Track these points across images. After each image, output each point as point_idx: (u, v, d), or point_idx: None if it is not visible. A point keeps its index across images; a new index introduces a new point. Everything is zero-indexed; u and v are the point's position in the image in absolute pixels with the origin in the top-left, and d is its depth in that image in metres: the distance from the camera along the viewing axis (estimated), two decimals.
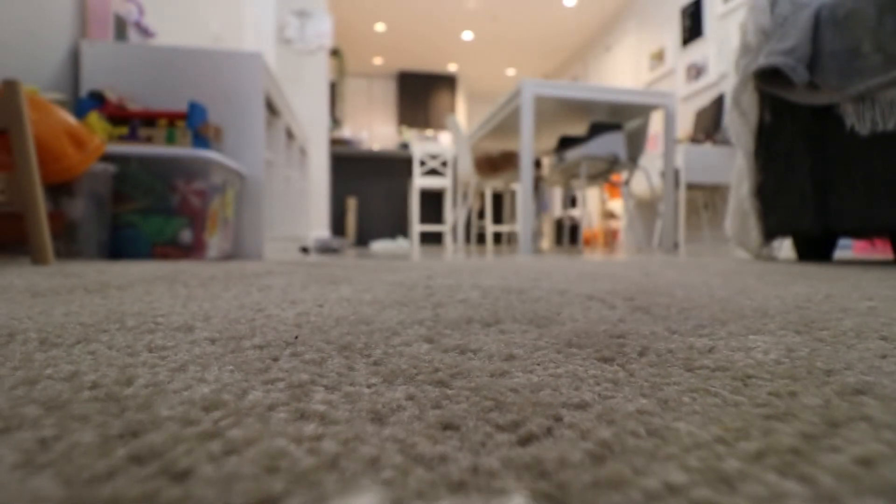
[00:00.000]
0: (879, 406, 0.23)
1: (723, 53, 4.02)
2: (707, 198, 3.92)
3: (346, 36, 6.44)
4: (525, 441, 0.19)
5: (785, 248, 2.18)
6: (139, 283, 0.75)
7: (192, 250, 1.51)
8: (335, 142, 5.15)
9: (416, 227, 4.21)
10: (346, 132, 5.68)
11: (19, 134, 1.05)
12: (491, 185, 3.59)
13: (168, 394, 0.24)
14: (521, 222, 2.49)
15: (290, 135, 2.65)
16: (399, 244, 3.97)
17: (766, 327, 0.43)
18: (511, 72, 7.64)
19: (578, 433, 0.20)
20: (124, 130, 1.52)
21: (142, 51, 1.76)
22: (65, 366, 0.29)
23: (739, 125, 1.72)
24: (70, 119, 1.26)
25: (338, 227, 5.00)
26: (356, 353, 0.33)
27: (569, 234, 5.24)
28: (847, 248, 2.89)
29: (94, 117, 1.45)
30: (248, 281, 0.80)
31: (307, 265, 1.29)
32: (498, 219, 5.11)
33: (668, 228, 2.70)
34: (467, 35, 6.47)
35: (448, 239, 3.82)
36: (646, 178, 3.80)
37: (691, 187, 3.60)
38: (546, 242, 5.80)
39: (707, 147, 3.47)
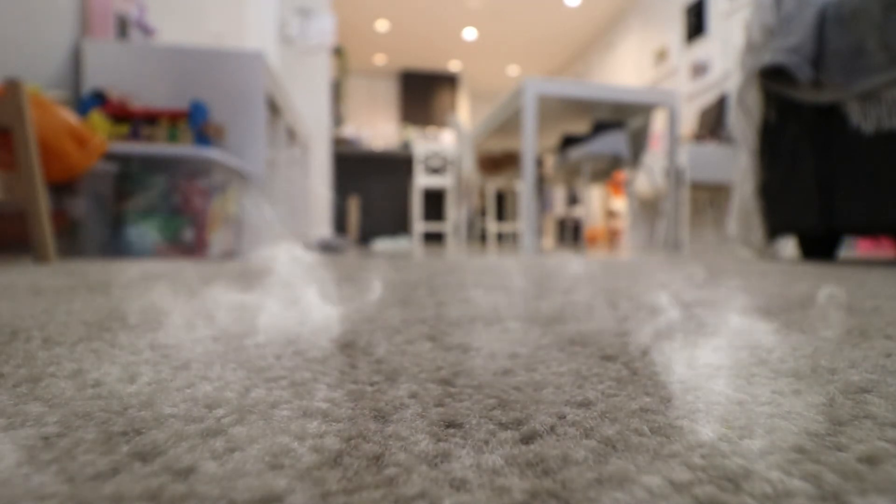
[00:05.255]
0: (884, 404, 0.23)
1: (727, 52, 4.01)
2: (711, 197, 3.91)
3: (348, 34, 6.44)
4: (528, 439, 0.19)
5: (789, 247, 2.17)
6: (141, 281, 0.75)
7: (194, 249, 1.51)
8: (338, 141, 5.15)
9: (419, 226, 4.21)
10: (348, 131, 5.68)
11: (22, 133, 1.05)
12: (493, 184, 3.59)
13: (171, 391, 0.24)
14: (524, 221, 2.49)
15: (291, 134, 2.65)
16: (401, 243, 3.97)
17: (771, 325, 0.42)
18: (513, 70, 7.63)
19: (582, 431, 0.20)
20: (126, 129, 1.53)
21: (143, 49, 1.76)
22: (68, 364, 0.29)
23: (744, 123, 1.72)
24: (72, 118, 1.26)
25: (340, 225, 5.00)
26: (358, 351, 0.33)
27: (571, 233, 5.24)
28: (852, 248, 2.88)
29: (95, 116, 1.45)
30: (249, 279, 0.80)
31: (309, 264, 1.29)
32: (501, 218, 5.11)
33: (671, 227, 2.69)
34: (470, 33, 6.46)
35: (450, 238, 3.81)
36: (648, 176, 3.79)
37: (695, 186, 3.59)
38: (549, 241, 5.79)
39: (711, 146, 3.46)
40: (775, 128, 1.64)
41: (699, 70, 4.35)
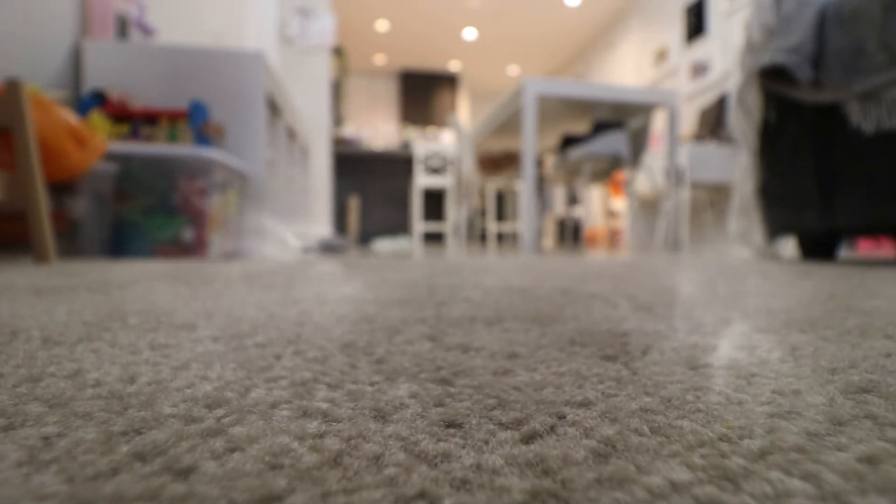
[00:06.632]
0: (884, 404, 0.23)
1: (727, 52, 4.01)
2: (711, 197, 3.91)
3: (348, 34, 6.44)
4: (528, 439, 0.19)
5: (789, 247, 2.17)
6: (141, 281, 0.75)
7: (194, 249, 1.51)
8: (338, 141, 5.15)
9: (419, 226, 4.21)
10: (348, 131, 5.68)
11: (22, 133, 1.05)
12: (493, 184, 3.59)
13: (171, 391, 0.24)
14: (524, 221, 2.49)
15: (291, 134, 2.66)
16: (401, 243, 3.98)
17: (771, 326, 0.42)
18: (513, 70, 7.63)
19: (582, 431, 0.20)
20: (126, 129, 1.53)
21: (143, 50, 1.76)
22: (68, 364, 0.29)
23: (744, 123, 1.72)
24: (72, 118, 1.26)
25: (340, 225, 5.01)
26: (358, 351, 0.33)
27: (571, 233, 5.24)
28: (852, 248, 2.88)
29: (95, 116, 1.45)
30: (249, 279, 0.80)
31: (309, 264, 1.29)
32: (501, 218, 5.11)
33: (671, 227, 2.69)
34: (470, 34, 6.47)
35: (450, 238, 3.82)
36: (648, 176, 3.79)
37: (695, 186, 3.59)
38: (548, 241, 5.79)
39: (711, 146, 3.46)
40: (775, 128, 1.64)
41: (699, 70, 4.35)
